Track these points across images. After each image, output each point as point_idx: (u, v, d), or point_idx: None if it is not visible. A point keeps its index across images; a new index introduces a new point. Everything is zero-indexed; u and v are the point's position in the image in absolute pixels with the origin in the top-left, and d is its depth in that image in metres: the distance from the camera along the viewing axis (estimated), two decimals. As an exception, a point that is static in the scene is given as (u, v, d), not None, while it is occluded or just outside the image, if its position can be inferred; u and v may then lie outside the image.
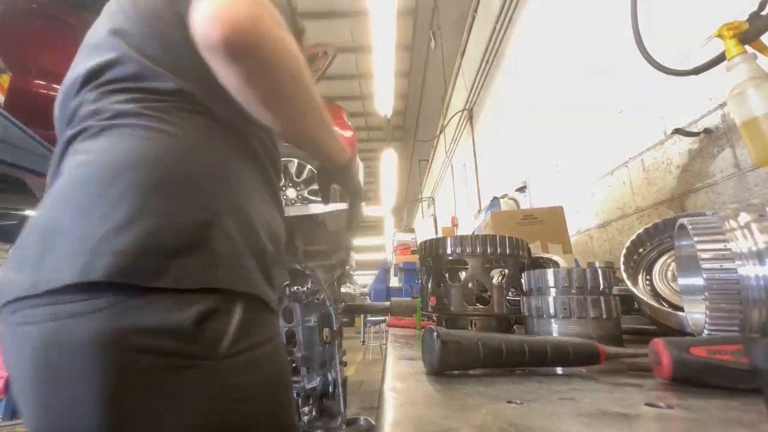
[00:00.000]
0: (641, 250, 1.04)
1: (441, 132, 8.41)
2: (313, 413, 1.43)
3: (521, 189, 3.50)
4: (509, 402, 0.40)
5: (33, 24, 2.39)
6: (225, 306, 0.60)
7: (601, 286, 0.72)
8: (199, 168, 0.67)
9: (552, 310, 0.70)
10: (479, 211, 4.73)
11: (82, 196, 0.60)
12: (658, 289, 0.95)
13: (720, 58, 1.33)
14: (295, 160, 3.23)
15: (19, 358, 0.55)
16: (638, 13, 1.70)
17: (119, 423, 0.52)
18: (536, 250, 1.76)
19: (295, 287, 1.42)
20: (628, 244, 1.04)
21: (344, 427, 1.43)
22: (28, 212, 3.60)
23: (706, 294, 0.57)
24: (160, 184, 0.61)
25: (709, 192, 1.61)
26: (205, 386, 0.57)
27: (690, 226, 0.61)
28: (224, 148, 0.73)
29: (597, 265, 1.37)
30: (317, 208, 1.50)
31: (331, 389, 1.43)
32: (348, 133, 3.62)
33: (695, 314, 0.71)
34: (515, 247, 0.97)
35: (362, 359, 8.34)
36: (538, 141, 3.50)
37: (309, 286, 1.41)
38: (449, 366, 0.54)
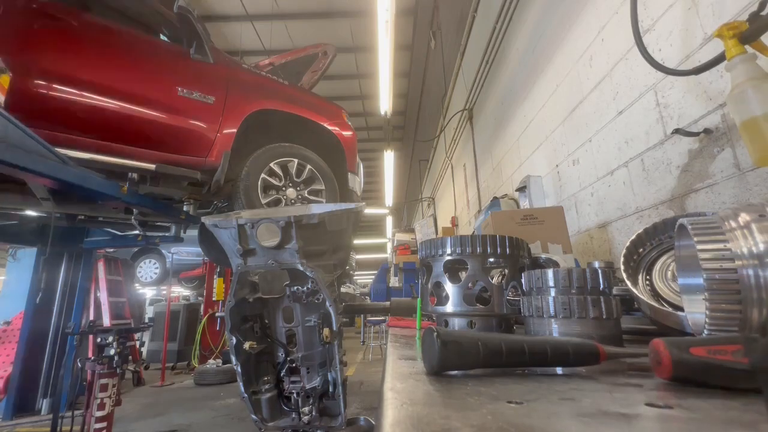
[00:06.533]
0: (641, 250, 1.04)
1: (441, 132, 8.41)
2: (313, 413, 1.43)
3: (521, 189, 3.50)
4: (509, 402, 0.40)
5: (33, 24, 2.39)
6: None
7: (601, 286, 0.72)
8: None
9: (552, 310, 0.70)
10: (479, 211, 4.74)
11: None
12: (658, 289, 0.95)
13: (720, 58, 1.33)
14: (295, 160, 3.23)
15: None
16: (638, 13, 1.71)
17: None
18: (536, 250, 1.76)
19: (295, 287, 1.42)
20: (628, 244, 1.04)
21: (344, 427, 1.43)
22: (28, 212, 3.61)
23: (706, 294, 0.57)
24: None
25: (709, 192, 1.61)
26: None
27: (690, 226, 0.61)
28: None
29: (597, 265, 1.37)
30: (317, 208, 1.51)
31: (331, 389, 1.43)
32: (348, 133, 3.63)
33: (695, 314, 0.71)
34: (515, 247, 0.97)
35: (362, 359, 8.34)
36: (538, 141, 3.50)
37: (309, 286, 1.41)
38: (449, 366, 0.54)
